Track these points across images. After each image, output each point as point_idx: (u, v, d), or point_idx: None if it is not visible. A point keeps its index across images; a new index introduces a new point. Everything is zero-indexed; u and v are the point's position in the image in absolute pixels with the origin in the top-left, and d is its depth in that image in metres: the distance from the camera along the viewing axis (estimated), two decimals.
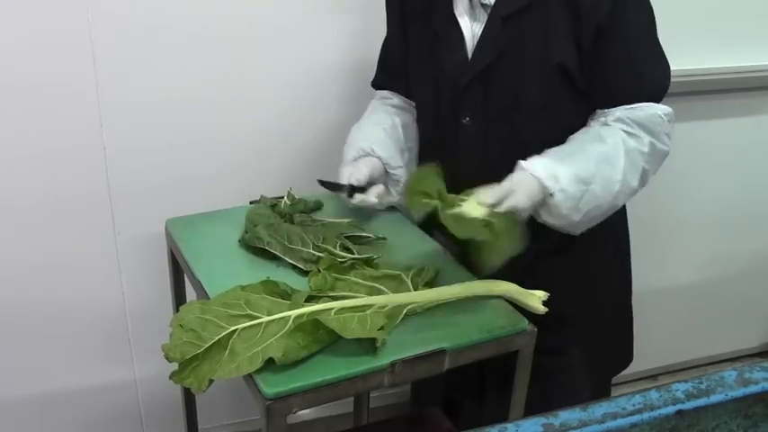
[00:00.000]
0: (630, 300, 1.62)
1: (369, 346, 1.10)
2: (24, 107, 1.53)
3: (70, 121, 1.58)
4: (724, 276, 2.30)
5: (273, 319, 1.10)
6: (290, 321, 1.10)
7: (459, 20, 1.34)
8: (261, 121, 1.73)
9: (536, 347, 1.21)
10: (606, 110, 1.31)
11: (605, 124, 1.31)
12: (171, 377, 1.07)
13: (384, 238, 1.41)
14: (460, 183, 1.32)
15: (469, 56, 1.34)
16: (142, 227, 1.68)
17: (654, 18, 1.32)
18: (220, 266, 1.31)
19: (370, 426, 1.81)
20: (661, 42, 1.32)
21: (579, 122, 1.35)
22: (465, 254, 1.39)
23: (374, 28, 1.58)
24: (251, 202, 1.49)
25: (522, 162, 1.25)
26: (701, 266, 2.27)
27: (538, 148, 1.29)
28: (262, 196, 1.48)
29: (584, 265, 1.46)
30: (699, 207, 2.18)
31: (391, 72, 1.54)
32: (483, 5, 1.32)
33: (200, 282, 1.27)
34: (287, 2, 1.64)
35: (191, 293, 1.38)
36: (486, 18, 1.32)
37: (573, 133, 1.33)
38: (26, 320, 1.70)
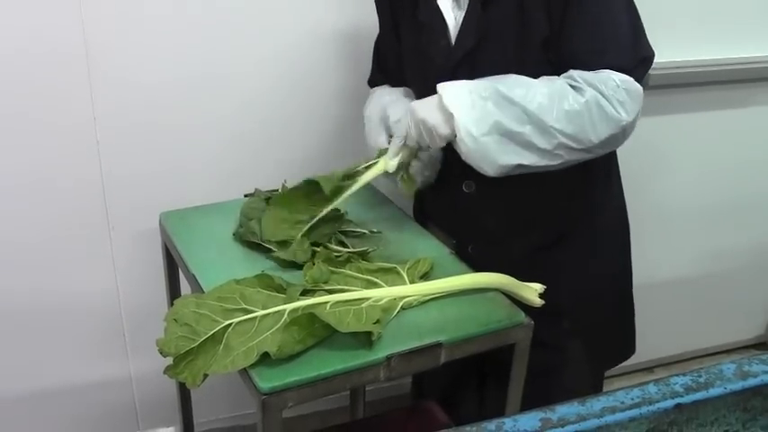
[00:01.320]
0: (631, 291, 1.61)
1: (364, 339, 1.09)
2: (16, 102, 1.52)
3: (63, 115, 1.57)
4: (719, 269, 2.31)
5: (268, 313, 1.10)
6: (285, 315, 1.09)
7: (443, 9, 1.34)
8: (256, 113, 1.72)
9: (536, 342, 1.21)
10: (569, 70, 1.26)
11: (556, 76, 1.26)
12: (165, 372, 1.06)
13: (380, 232, 1.41)
14: (457, 168, 1.32)
15: (453, 42, 1.34)
16: (136, 221, 1.68)
17: None
18: (215, 260, 1.30)
19: (367, 419, 1.81)
20: (650, 35, 1.29)
21: None
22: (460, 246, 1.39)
23: (369, 23, 1.57)
24: (245, 196, 1.48)
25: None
26: (697, 259, 2.27)
27: None
28: (256, 189, 1.47)
29: (583, 257, 1.46)
30: (693, 201, 2.18)
31: (387, 69, 1.53)
32: None
33: (194, 276, 1.27)
34: None
35: (185, 287, 1.37)
36: (465, 5, 1.32)
37: None
38: (20, 316, 1.69)
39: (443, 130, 1.23)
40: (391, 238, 1.39)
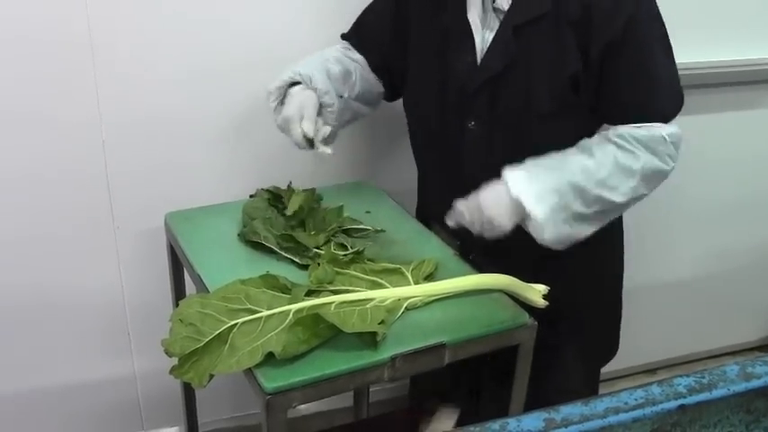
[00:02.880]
0: (621, 293, 1.61)
1: (369, 340, 1.10)
2: (22, 100, 1.53)
3: (69, 115, 1.57)
4: (723, 271, 2.30)
5: (273, 314, 1.10)
6: (290, 315, 1.10)
7: (472, 24, 1.32)
8: (263, 113, 1.71)
9: (536, 343, 1.21)
10: (612, 126, 1.30)
11: (606, 138, 1.29)
12: (171, 372, 1.06)
13: (383, 230, 1.41)
14: (463, 184, 1.32)
15: (478, 61, 1.33)
16: (141, 221, 1.68)
17: (665, 28, 1.30)
18: (220, 260, 1.31)
19: (371, 420, 1.81)
20: None
21: (587, 132, 1.34)
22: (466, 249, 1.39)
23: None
24: (251, 196, 1.48)
25: (504, 176, 1.26)
26: (700, 261, 2.27)
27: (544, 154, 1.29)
28: (258, 189, 1.47)
29: (584, 260, 1.46)
30: (698, 201, 2.17)
31: (364, 39, 1.51)
32: (495, 11, 1.30)
33: (199, 276, 1.27)
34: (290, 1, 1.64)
35: (190, 287, 1.38)
36: (496, 25, 1.30)
37: (587, 137, 1.33)
38: (24, 314, 1.70)
39: (507, 227, 1.26)
40: (395, 239, 1.40)
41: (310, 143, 1.34)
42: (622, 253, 1.59)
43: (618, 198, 1.27)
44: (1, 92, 1.50)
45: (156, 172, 1.67)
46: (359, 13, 1.54)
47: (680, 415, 0.75)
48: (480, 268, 1.33)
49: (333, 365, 1.05)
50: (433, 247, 1.39)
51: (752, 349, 2.50)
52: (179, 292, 1.52)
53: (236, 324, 1.08)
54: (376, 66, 1.51)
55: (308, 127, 1.33)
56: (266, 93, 1.39)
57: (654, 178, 1.30)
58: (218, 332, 1.07)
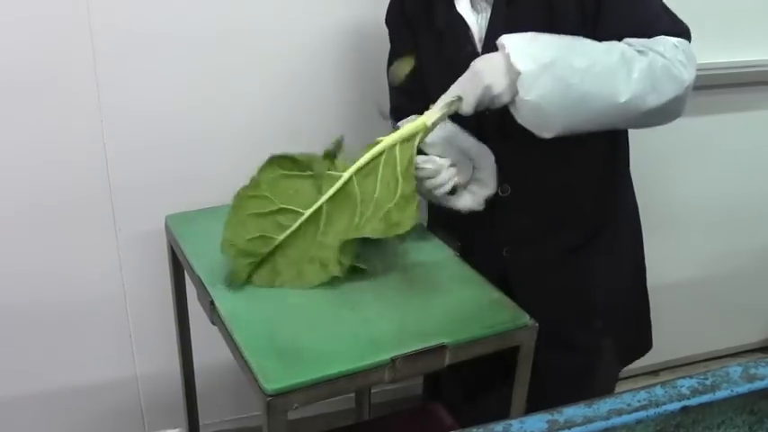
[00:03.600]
0: (646, 287, 1.60)
1: (370, 341, 1.09)
2: (24, 105, 1.53)
3: (70, 118, 1.57)
4: (725, 272, 2.30)
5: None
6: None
7: (463, 15, 1.32)
8: (261, 114, 1.72)
9: (567, 346, 1.20)
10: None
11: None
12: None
13: None
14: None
15: (479, 48, 1.32)
16: (142, 223, 1.68)
17: None
18: (220, 262, 1.30)
19: (372, 422, 1.81)
20: None
21: None
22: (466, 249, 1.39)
23: (377, 22, 1.57)
24: None
25: (501, 40, 1.18)
26: (703, 262, 2.27)
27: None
28: None
29: (613, 255, 1.46)
30: (701, 203, 2.17)
31: (411, 91, 1.45)
32: None
33: (199, 278, 1.27)
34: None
35: (191, 289, 1.37)
36: (488, 9, 1.31)
37: None
38: (27, 318, 1.70)
39: (506, 97, 1.18)
40: (394, 240, 1.39)
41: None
42: (642, 244, 1.58)
43: (621, 84, 1.16)
44: (1, 95, 1.50)
45: (157, 174, 1.67)
46: (371, 10, 1.53)
47: (683, 416, 0.75)
48: (513, 263, 1.31)
49: (333, 366, 1.05)
50: (433, 248, 1.38)
51: (753, 351, 2.50)
52: (180, 295, 1.52)
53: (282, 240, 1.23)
54: None
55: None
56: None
57: (664, 78, 1.18)
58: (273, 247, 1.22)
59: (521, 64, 1.14)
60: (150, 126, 1.63)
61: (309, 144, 1.77)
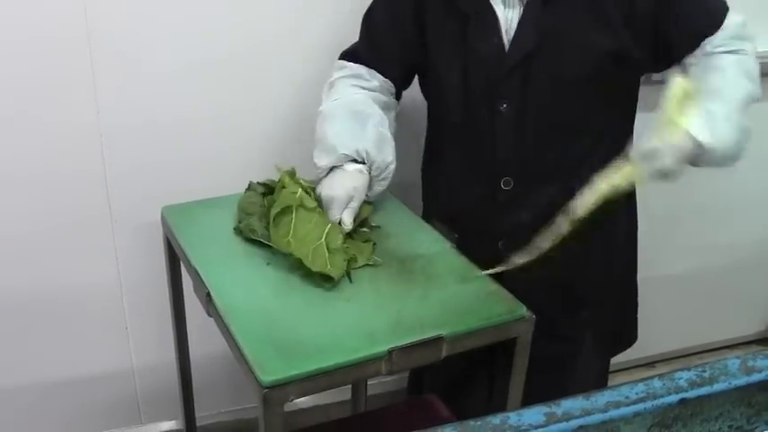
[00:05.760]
0: (636, 281, 1.62)
1: (366, 333, 1.09)
2: (19, 95, 1.52)
3: (66, 108, 1.56)
4: (722, 264, 2.30)
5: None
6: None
7: (494, 5, 1.29)
8: (257, 106, 1.71)
9: (552, 334, 1.21)
10: (695, 51, 1.29)
11: (708, 54, 1.29)
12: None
13: (378, 227, 1.40)
14: (496, 166, 1.31)
15: (505, 43, 1.30)
16: (138, 215, 1.67)
17: None
18: (216, 254, 1.30)
19: (368, 413, 1.81)
20: None
21: (626, 98, 1.34)
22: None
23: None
24: (247, 189, 1.47)
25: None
26: (699, 254, 2.27)
27: (580, 130, 1.30)
28: (251, 183, 1.46)
29: (607, 247, 1.46)
30: (698, 196, 2.17)
31: (383, 52, 1.43)
32: None
33: (195, 269, 1.26)
34: None
35: (187, 281, 1.37)
36: (518, 4, 1.28)
37: (618, 110, 1.32)
38: (22, 309, 1.69)
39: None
40: (391, 232, 1.39)
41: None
42: (636, 238, 1.58)
43: (757, 87, 1.30)
44: None
45: (152, 166, 1.67)
46: (355, 4, 1.52)
47: (681, 409, 0.75)
48: (507, 254, 1.32)
49: (330, 359, 1.05)
50: (430, 240, 1.38)
51: (749, 343, 2.51)
52: (176, 286, 1.52)
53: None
54: (395, 79, 1.45)
55: (348, 221, 1.30)
56: (315, 166, 1.36)
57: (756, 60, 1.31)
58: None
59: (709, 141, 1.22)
60: (147, 117, 1.63)
61: (308, 135, 1.77)
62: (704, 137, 1.19)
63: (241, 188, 1.47)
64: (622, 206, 1.48)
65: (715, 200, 2.19)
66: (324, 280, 1.21)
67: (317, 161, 1.35)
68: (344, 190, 1.30)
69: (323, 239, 1.25)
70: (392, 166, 1.38)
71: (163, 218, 1.44)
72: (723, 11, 1.30)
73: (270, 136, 1.74)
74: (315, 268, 1.20)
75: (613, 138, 1.35)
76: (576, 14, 1.24)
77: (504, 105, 1.32)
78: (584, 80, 1.28)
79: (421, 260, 1.30)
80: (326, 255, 1.22)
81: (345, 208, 1.30)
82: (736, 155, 1.28)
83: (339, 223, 1.30)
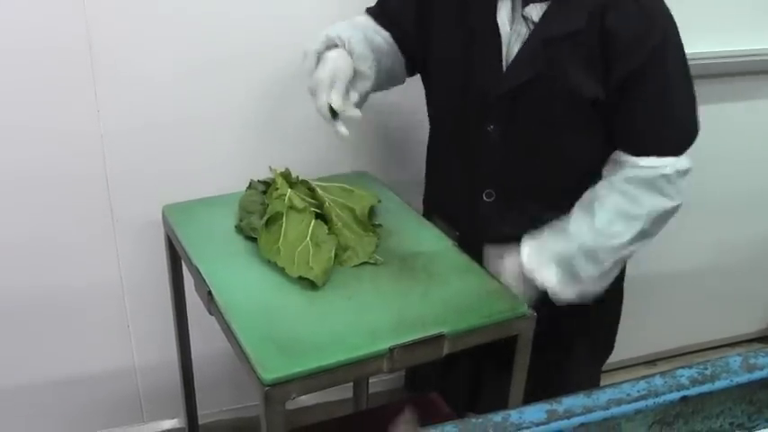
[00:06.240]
0: (622, 290, 1.60)
1: (368, 331, 1.09)
2: (20, 95, 1.52)
3: (67, 108, 1.56)
4: (723, 262, 2.30)
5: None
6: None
7: (501, 27, 1.30)
8: (259, 104, 1.71)
9: (539, 343, 1.21)
10: (622, 161, 1.31)
11: (611, 187, 1.31)
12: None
13: (380, 225, 1.40)
14: (481, 179, 1.33)
15: (503, 67, 1.31)
16: (140, 213, 1.67)
17: (686, 56, 1.29)
18: (218, 252, 1.30)
19: (369, 411, 1.81)
20: None
21: (606, 146, 1.34)
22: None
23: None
24: (248, 188, 1.47)
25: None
26: (700, 252, 2.27)
27: (564, 159, 1.33)
28: (251, 181, 1.46)
29: None
30: (697, 194, 2.15)
31: (390, 16, 1.45)
32: (525, 19, 1.28)
33: (196, 267, 1.26)
34: None
35: (188, 279, 1.37)
36: (523, 32, 1.28)
37: (602, 141, 1.33)
38: (24, 308, 1.69)
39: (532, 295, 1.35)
40: (392, 230, 1.39)
41: (333, 114, 1.30)
42: None
43: (626, 247, 1.31)
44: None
45: (153, 164, 1.66)
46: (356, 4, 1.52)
47: (682, 406, 0.75)
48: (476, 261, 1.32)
49: (331, 357, 1.05)
50: (431, 238, 1.38)
51: (751, 341, 2.51)
52: (177, 285, 1.52)
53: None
54: (400, 42, 1.45)
55: (336, 99, 1.28)
56: (302, 53, 1.35)
57: (661, 219, 1.33)
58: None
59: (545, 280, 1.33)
60: (148, 116, 1.62)
61: (308, 133, 1.77)
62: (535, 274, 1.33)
63: (241, 187, 1.47)
64: None
65: (716, 198, 2.19)
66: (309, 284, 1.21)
67: (304, 49, 1.36)
68: (325, 71, 1.31)
69: (308, 238, 1.25)
70: (371, 62, 1.35)
71: (164, 216, 1.44)
72: (679, 140, 1.31)
73: (273, 135, 1.74)
74: (294, 274, 1.21)
75: (599, 164, 1.35)
76: (569, 59, 1.25)
77: (492, 127, 1.34)
78: (568, 118, 1.29)
79: (422, 258, 1.30)
80: (310, 254, 1.23)
81: (332, 89, 1.30)
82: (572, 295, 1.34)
83: (331, 108, 1.29)
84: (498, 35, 1.30)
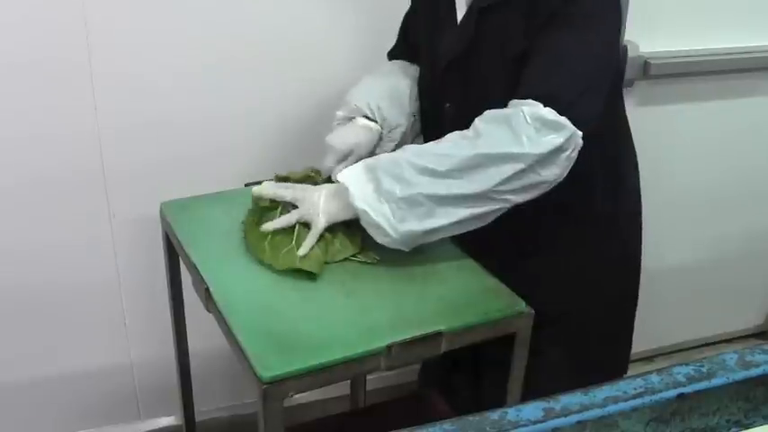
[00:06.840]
0: (634, 310, 1.55)
1: (366, 328, 1.09)
2: (18, 90, 1.52)
3: (64, 104, 1.56)
4: (719, 258, 2.31)
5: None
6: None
7: (458, 10, 1.32)
8: (257, 101, 1.71)
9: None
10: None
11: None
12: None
13: None
14: None
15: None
16: (137, 210, 1.67)
17: (616, 25, 1.23)
18: (215, 249, 1.30)
19: (367, 408, 1.81)
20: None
21: None
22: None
23: (383, 19, 1.56)
24: (246, 185, 1.47)
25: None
26: (696, 248, 2.27)
27: None
28: (246, 184, 1.46)
29: (573, 266, 1.41)
30: (692, 189, 2.18)
31: (412, 44, 1.49)
32: None
33: (194, 264, 1.26)
34: None
35: (186, 276, 1.37)
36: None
37: None
38: (21, 304, 1.69)
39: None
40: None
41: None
42: (632, 269, 1.51)
43: (441, 179, 1.16)
44: None
45: (151, 161, 1.66)
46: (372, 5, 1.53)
47: (679, 404, 0.75)
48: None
49: (329, 354, 1.05)
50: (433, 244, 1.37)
51: (747, 337, 2.51)
52: (175, 282, 1.51)
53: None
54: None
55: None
56: (336, 115, 1.40)
57: (496, 159, 1.14)
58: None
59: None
60: (145, 113, 1.63)
61: (306, 131, 1.77)
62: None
63: (240, 184, 1.48)
64: (590, 226, 1.42)
65: (711, 193, 2.20)
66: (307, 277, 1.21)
67: (337, 113, 1.41)
68: (344, 142, 1.34)
69: (293, 243, 1.24)
70: (400, 129, 1.39)
71: (161, 213, 1.44)
72: (556, 94, 1.15)
73: (270, 133, 1.74)
74: (281, 267, 1.21)
75: (587, 169, 1.29)
76: (500, 25, 1.24)
77: (448, 104, 1.35)
78: (506, 88, 1.22)
79: (420, 255, 1.30)
80: (297, 257, 1.22)
81: (342, 161, 1.32)
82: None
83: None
84: (454, 13, 1.32)
